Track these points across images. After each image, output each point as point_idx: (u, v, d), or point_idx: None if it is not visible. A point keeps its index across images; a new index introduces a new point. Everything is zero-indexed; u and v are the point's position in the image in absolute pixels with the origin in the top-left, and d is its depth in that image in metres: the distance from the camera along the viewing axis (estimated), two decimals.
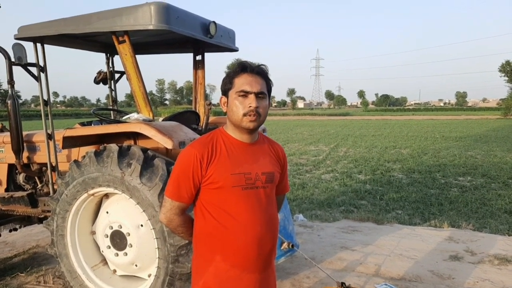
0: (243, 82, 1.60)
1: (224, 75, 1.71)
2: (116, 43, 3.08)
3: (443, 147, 14.96)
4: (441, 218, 5.83)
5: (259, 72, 1.64)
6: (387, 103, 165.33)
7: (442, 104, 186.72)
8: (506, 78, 49.76)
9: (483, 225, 5.51)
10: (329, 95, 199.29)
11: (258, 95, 1.60)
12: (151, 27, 2.85)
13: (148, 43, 4.04)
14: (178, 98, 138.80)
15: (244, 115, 1.59)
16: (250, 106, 1.58)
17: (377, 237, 4.92)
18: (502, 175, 9.10)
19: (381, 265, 4.07)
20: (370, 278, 3.78)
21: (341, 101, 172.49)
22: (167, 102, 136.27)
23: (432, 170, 9.86)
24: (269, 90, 1.68)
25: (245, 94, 1.59)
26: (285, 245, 3.25)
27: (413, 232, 5.11)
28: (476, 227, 5.34)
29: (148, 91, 3.24)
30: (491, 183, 8.29)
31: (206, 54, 4.06)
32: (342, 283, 2.76)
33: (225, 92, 1.67)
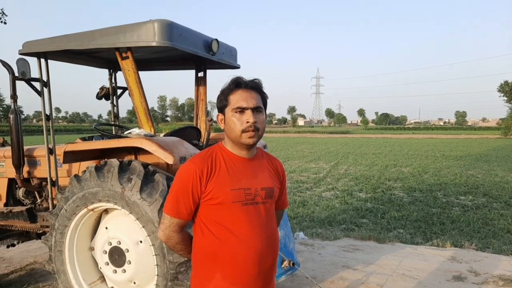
0: (238, 98, 1.60)
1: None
2: (119, 59, 3.11)
3: (444, 166, 14.92)
4: (443, 237, 5.76)
5: (253, 86, 1.64)
6: (387, 121, 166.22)
7: (442, 123, 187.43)
8: (505, 98, 50.05)
9: (486, 245, 5.44)
10: (329, 113, 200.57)
11: (255, 110, 1.60)
12: (154, 44, 2.88)
13: (151, 59, 4.09)
14: (179, 115, 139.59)
15: (243, 131, 1.58)
16: (248, 122, 1.58)
17: (379, 256, 4.85)
18: (504, 194, 9.04)
19: (384, 285, 4.00)
20: None
21: (341, 119, 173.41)
22: (168, 118, 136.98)
23: (433, 189, 9.81)
24: (265, 103, 1.68)
25: (241, 110, 1.59)
26: (286, 263, 3.20)
27: (415, 251, 5.04)
28: (479, 247, 5.28)
29: (149, 108, 3.26)
30: (492, 203, 8.23)
31: (208, 71, 4.10)
32: None
33: (221, 109, 1.66)
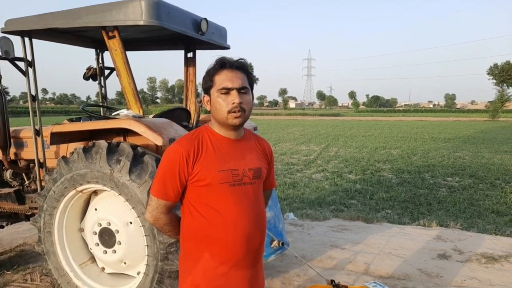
0: (223, 78, 1.57)
1: None
2: (106, 39, 3.05)
3: (432, 148, 15.12)
4: (429, 217, 5.88)
5: (239, 66, 1.61)
6: (378, 104, 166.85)
7: (431, 106, 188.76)
8: (494, 81, 50.53)
9: (471, 224, 5.58)
10: (321, 95, 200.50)
11: (241, 91, 1.58)
12: (141, 23, 2.82)
13: (138, 39, 4.01)
14: (169, 97, 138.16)
15: (229, 112, 1.57)
16: (234, 103, 1.56)
17: (367, 236, 4.94)
18: (490, 176, 9.23)
19: (371, 263, 4.09)
20: (360, 276, 3.80)
21: (332, 101, 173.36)
22: (158, 100, 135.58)
23: (421, 171, 9.96)
24: (251, 83, 1.66)
25: (227, 91, 1.57)
26: (275, 243, 3.25)
27: (402, 231, 5.15)
28: (464, 226, 5.41)
29: (139, 89, 3.21)
30: (478, 184, 8.40)
31: (198, 52, 4.04)
32: (332, 281, 2.77)
33: (206, 90, 1.64)
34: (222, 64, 1.59)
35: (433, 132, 24.59)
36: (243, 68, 1.62)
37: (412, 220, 5.84)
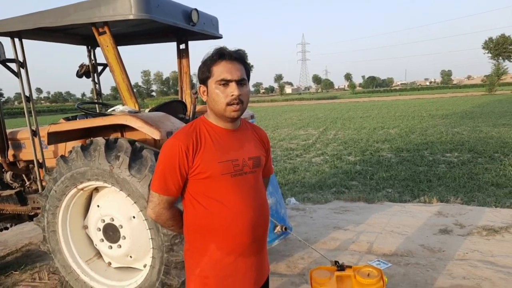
0: (222, 70, 1.55)
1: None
2: (96, 35, 3.02)
3: (430, 125, 15.15)
4: (430, 194, 5.94)
5: (237, 57, 1.59)
6: (374, 84, 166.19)
7: (428, 83, 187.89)
8: (490, 55, 50.30)
9: (471, 198, 5.64)
10: (317, 79, 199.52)
11: (239, 82, 1.57)
12: (131, 17, 2.79)
13: (129, 33, 3.97)
14: (164, 89, 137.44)
15: (227, 104, 1.56)
16: (233, 95, 1.55)
17: (369, 215, 5.00)
18: (488, 149, 9.27)
19: (373, 242, 4.15)
20: (363, 256, 3.85)
21: (328, 84, 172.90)
22: (154, 93, 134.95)
23: (420, 148, 10.00)
24: (248, 74, 1.65)
25: (225, 82, 1.55)
26: (278, 228, 3.28)
27: (403, 209, 5.20)
28: (464, 200, 5.46)
29: (134, 83, 3.21)
30: (477, 158, 8.45)
31: (191, 43, 4.01)
32: (336, 262, 2.79)
33: (203, 81, 1.61)
34: (221, 55, 1.56)
35: (430, 109, 24.59)
36: (241, 59, 1.60)
37: (412, 198, 5.89)
